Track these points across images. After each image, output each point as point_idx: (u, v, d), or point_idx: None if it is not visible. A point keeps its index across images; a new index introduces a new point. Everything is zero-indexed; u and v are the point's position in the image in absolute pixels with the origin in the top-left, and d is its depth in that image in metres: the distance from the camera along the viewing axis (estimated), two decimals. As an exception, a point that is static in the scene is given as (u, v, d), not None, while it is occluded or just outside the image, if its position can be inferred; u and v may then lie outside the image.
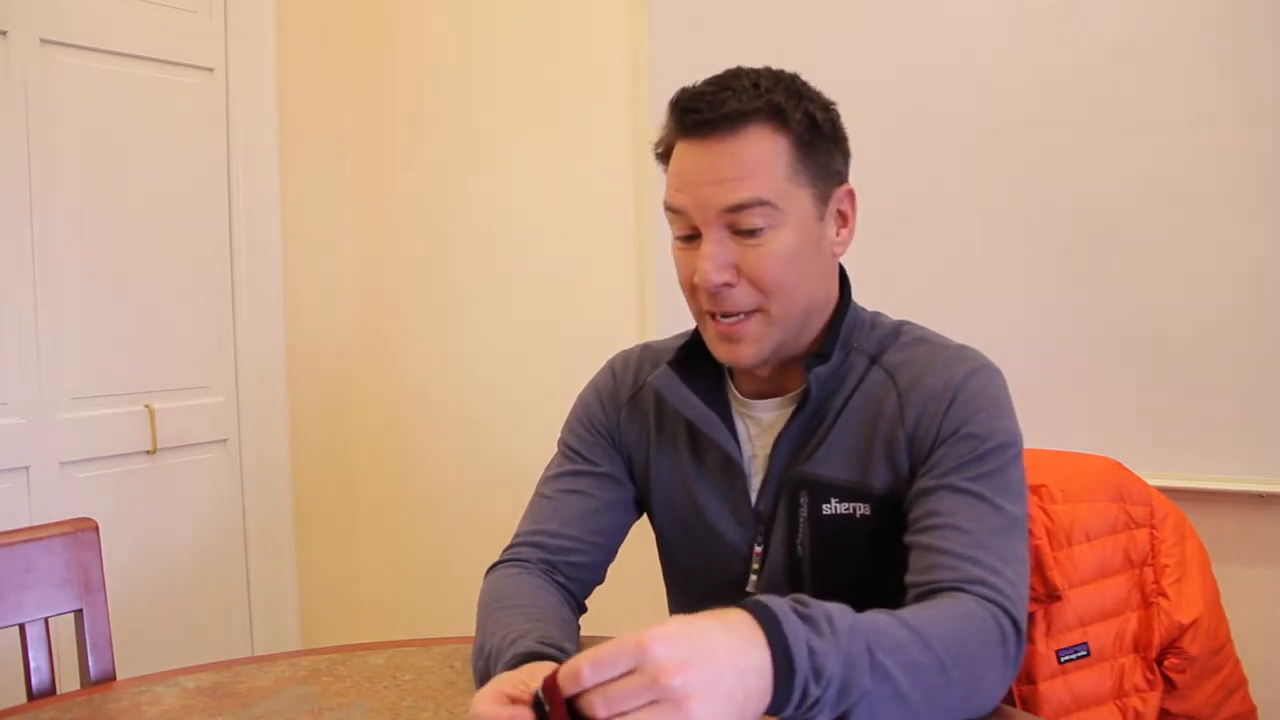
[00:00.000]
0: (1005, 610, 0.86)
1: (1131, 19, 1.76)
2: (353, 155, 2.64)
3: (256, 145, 2.38)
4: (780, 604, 0.70)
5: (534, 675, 0.77)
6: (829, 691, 0.70)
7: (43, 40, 2.00)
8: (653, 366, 1.12)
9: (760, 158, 0.94)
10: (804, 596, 0.73)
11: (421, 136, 2.55)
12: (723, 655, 0.65)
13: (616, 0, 2.25)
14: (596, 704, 0.62)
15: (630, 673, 0.62)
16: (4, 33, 1.95)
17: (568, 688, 0.63)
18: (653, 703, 0.62)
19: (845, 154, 1.01)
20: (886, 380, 1.01)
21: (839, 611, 0.73)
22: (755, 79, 0.96)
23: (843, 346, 1.02)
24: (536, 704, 0.67)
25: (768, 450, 1.04)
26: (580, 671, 0.62)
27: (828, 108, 1.00)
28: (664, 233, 2.19)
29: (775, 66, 1.01)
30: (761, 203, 0.94)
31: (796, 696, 0.68)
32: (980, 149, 1.88)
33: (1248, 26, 1.67)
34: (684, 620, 0.66)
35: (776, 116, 0.95)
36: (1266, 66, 1.67)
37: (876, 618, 0.77)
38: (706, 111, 0.94)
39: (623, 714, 0.61)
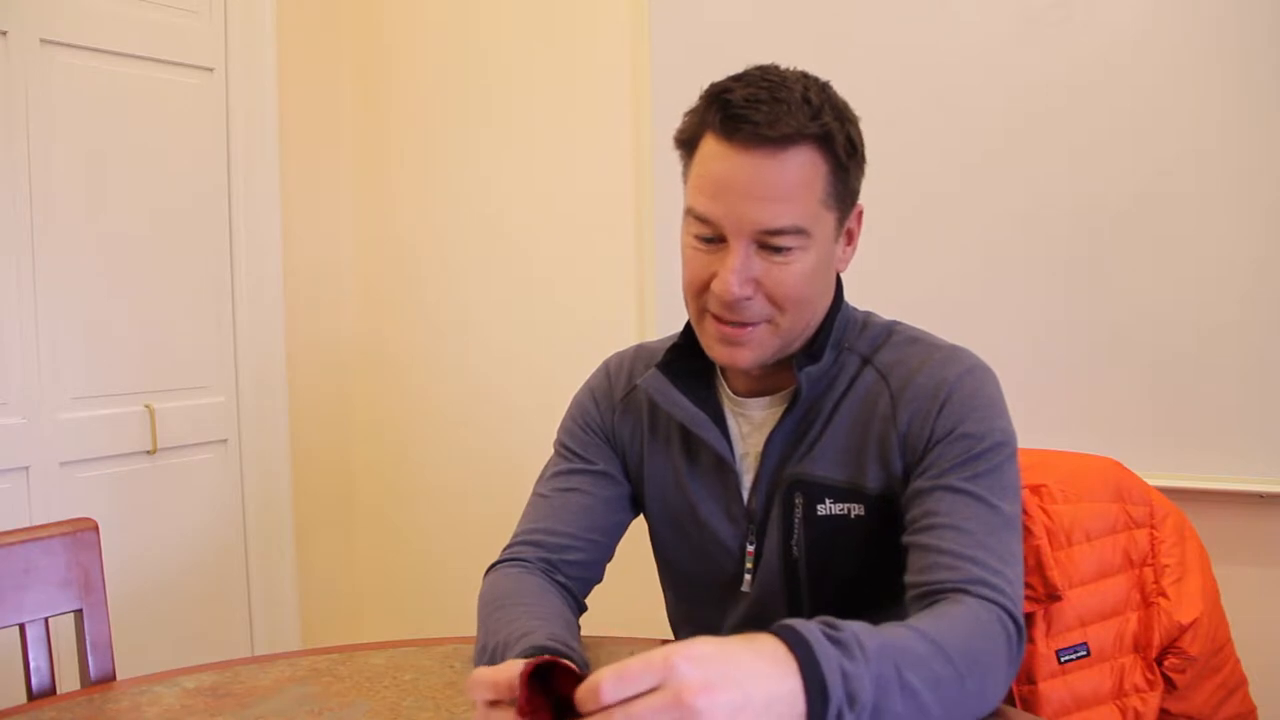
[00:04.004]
0: (1008, 611, 0.86)
1: (1131, 20, 1.75)
2: (353, 155, 2.64)
3: (256, 145, 2.38)
4: (811, 628, 0.70)
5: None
6: (862, 717, 0.69)
7: (43, 40, 2.00)
8: (646, 367, 1.12)
9: (803, 181, 0.93)
10: (832, 619, 0.73)
11: (421, 137, 2.55)
12: (750, 681, 0.64)
13: (617, 1, 2.25)
14: (616, 718, 0.61)
15: (653, 690, 0.62)
16: (4, 33, 1.94)
17: (586, 705, 0.62)
18: None
19: (864, 173, 1.01)
20: (879, 380, 1.01)
21: (866, 632, 0.73)
22: (804, 92, 0.93)
23: (834, 346, 1.02)
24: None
25: (759, 448, 1.04)
26: (600, 688, 0.61)
27: (858, 126, 0.98)
28: (663, 233, 2.20)
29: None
30: (798, 230, 0.93)
31: None
32: (981, 150, 1.88)
33: (1248, 26, 1.67)
34: (712, 641, 0.66)
35: (825, 142, 0.93)
36: (1267, 67, 1.67)
37: (898, 633, 0.77)
38: (764, 128, 0.90)
39: None
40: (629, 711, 0.61)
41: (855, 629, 0.72)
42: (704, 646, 0.65)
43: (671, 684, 0.62)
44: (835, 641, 0.70)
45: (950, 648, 0.78)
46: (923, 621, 0.81)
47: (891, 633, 0.76)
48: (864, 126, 1.00)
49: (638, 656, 0.63)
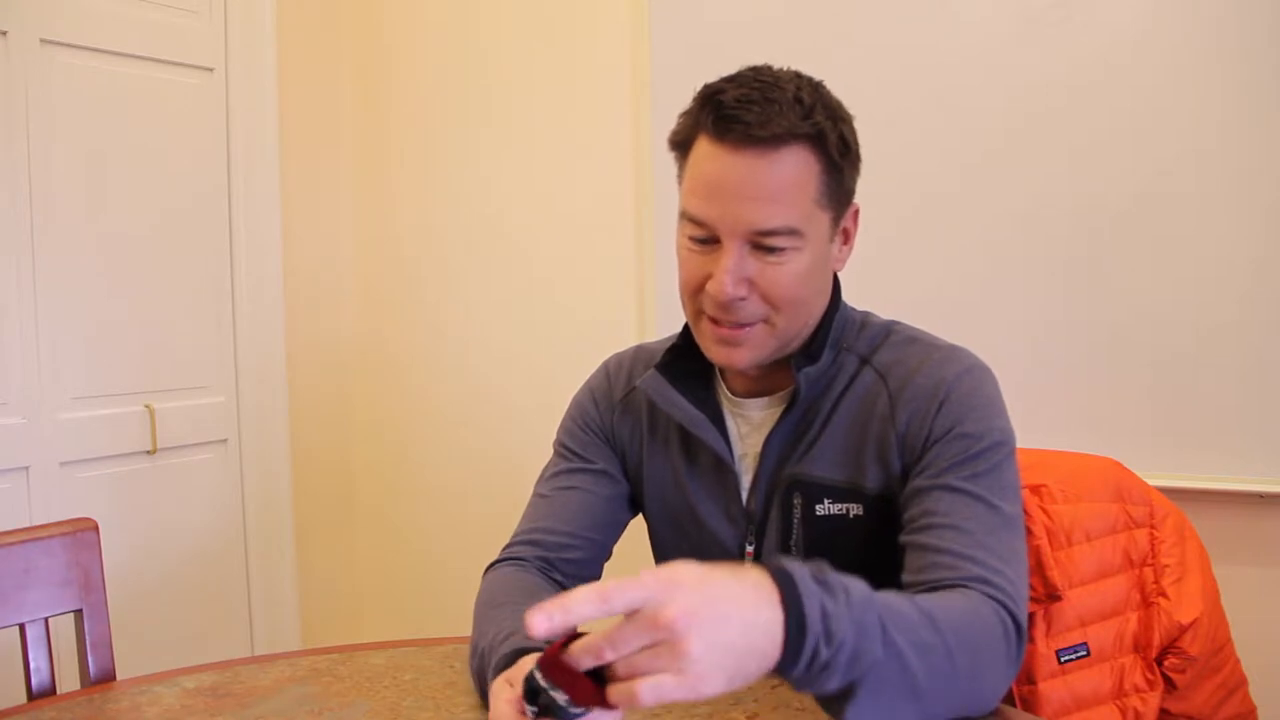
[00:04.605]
0: (1007, 609, 0.86)
1: (1131, 20, 1.75)
2: (353, 156, 2.64)
3: (256, 145, 2.38)
4: (798, 567, 0.70)
5: (524, 669, 0.77)
6: (840, 656, 0.69)
7: (43, 40, 2.00)
8: (645, 368, 1.12)
9: (795, 181, 0.93)
10: (824, 564, 0.73)
11: (421, 136, 2.55)
12: (730, 605, 0.64)
13: (617, 1, 2.25)
14: (604, 647, 0.62)
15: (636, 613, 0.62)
16: (4, 33, 1.94)
17: (583, 608, 0.61)
18: (654, 645, 0.61)
19: (858, 172, 1.01)
20: (877, 380, 1.01)
21: (855, 583, 0.73)
22: (796, 92, 0.93)
23: (832, 346, 1.02)
24: (528, 692, 0.67)
25: (758, 449, 1.04)
26: (607, 591, 0.62)
27: (851, 125, 0.98)
28: (663, 234, 2.20)
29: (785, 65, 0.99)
30: (791, 230, 0.93)
31: (806, 657, 0.67)
32: (981, 150, 1.88)
33: (1248, 26, 1.67)
34: (697, 565, 0.66)
35: (817, 141, 0.93)
36: (1267, 67, 1.67)
37: (889, 595, 0.77)
38: (755, 128, 0.91)
39: (627, 658, 0.62)
40: (611, 637, 0.62)
41: (844, 578, 0.72)
42: (686, 569, 0.65)
43: (650, 605, 0.62)
44: (820, 582, 0.70)
45: (941, 621, 0.78)
46: (919, 598, 0.81)
47: (883, 594, 0.76)
48: (863, 126, 0.99)
49: (625, 578, 0.63)
